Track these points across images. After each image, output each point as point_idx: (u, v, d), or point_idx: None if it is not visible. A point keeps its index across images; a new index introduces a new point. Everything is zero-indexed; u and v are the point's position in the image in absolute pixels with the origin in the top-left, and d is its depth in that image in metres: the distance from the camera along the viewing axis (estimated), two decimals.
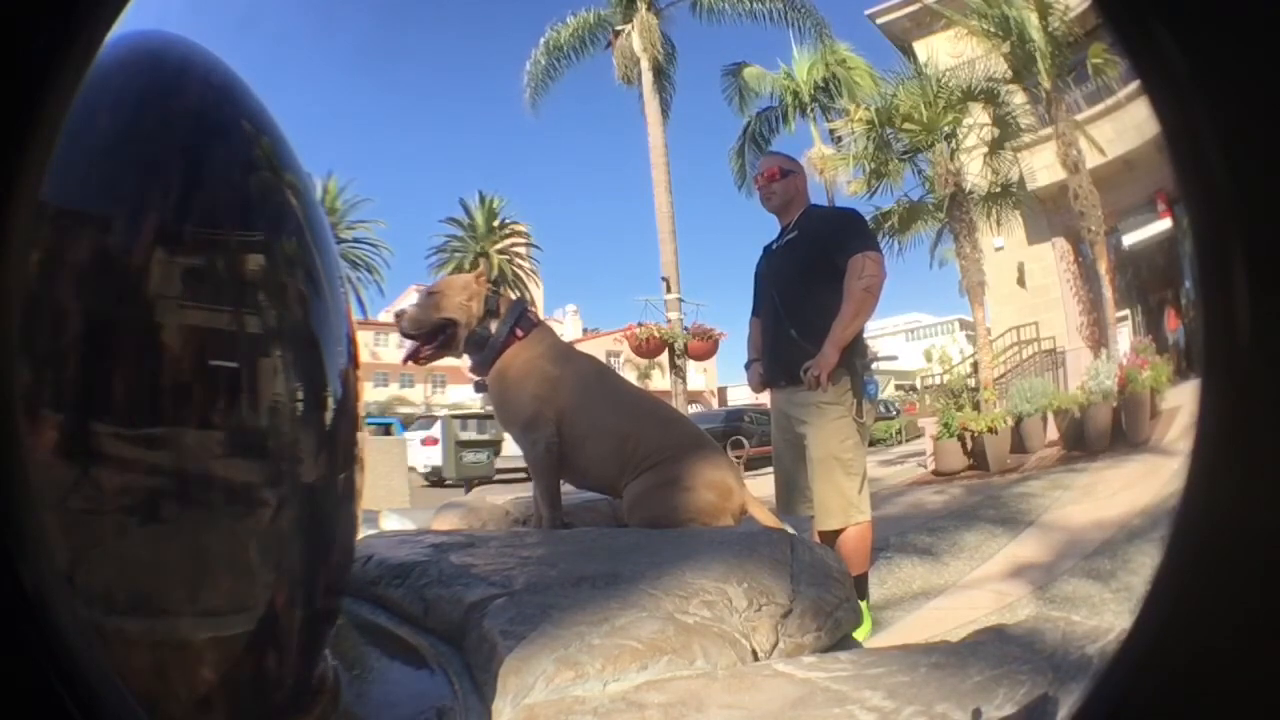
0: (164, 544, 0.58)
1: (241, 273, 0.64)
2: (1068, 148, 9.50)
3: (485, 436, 6.57)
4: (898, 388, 21.97)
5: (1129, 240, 10.92)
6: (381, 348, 33.19)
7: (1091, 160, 9.68)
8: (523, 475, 1.85)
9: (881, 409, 13.99)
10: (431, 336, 1.84)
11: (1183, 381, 7.41)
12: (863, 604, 2.21)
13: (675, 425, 1.90)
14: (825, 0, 12.28)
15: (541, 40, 11.68)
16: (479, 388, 1.88)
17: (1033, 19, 9.34)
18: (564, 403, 1.76)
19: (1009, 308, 11.92)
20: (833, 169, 10.90)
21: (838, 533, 2.30)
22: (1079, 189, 9.41)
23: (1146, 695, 0.34)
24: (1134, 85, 1.63)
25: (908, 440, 11.49)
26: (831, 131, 12.16)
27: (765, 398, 2.63)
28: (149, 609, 0.58)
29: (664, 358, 10.53)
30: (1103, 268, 9.72)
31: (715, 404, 24.99)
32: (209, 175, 0.63)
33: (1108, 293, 9.80)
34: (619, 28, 11.32)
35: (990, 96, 9.41)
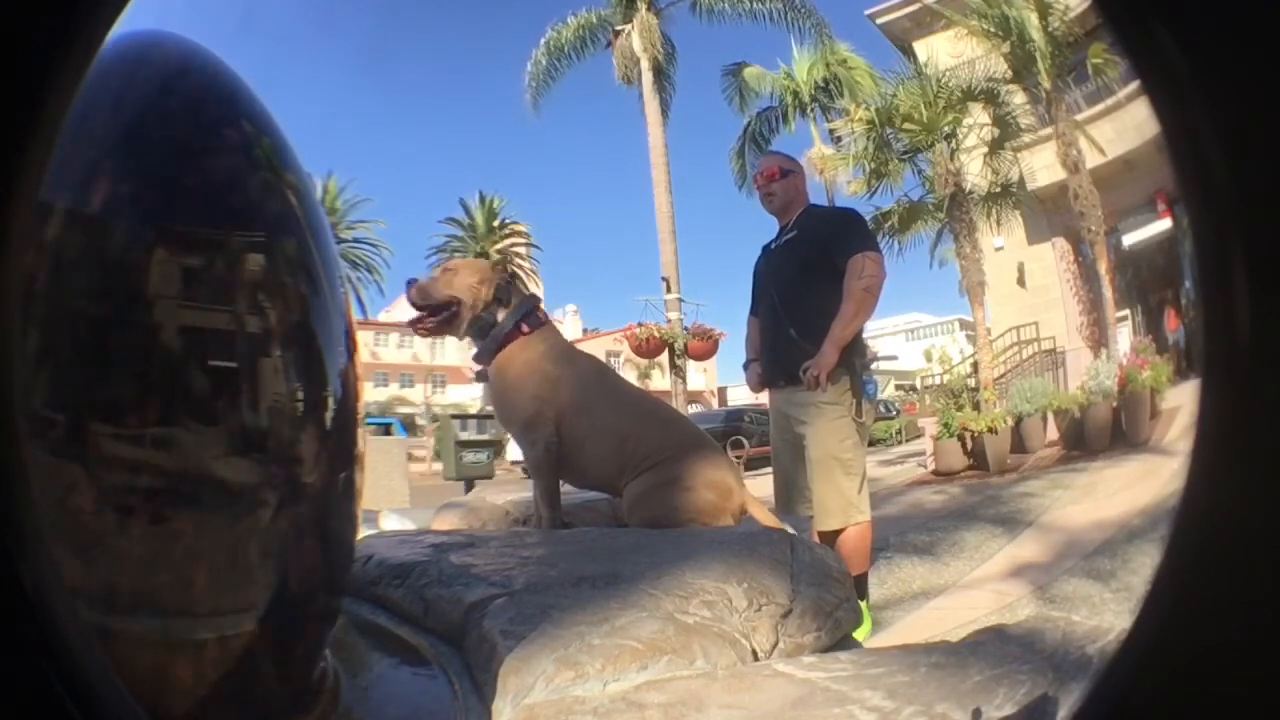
0: (164, 544, 0.58)
1: (241, 273, 0.64)
2: (1068, 148, 9.49)
3: (485, 436, 6.55)
4: (898, 388, 21.96)
5: (1129, 240, 10.92)
6: (381, 348, 33.20)
7: (1091, 160, 9.67)
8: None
9: (881, 409, 13.99)
10: (436, 310, 1.84)
11: (1183, 381, 7.41)
12: (863, 604, 2.21)
13: (675, 425, 1.91)
14: (825, 0, 12.29)
15: (542, 40, 11.70)
16: (480, 376, 1.88)
17: (1033, 19, 9.34)
18: (564, 403, 1.76)
19: (1009, 308, 11.92)
20: (833, 169, 10.90)
21: (837, 533, 2.30)
22: (1079, 189, 9.40)
23: (1146, 695, 0.34)
24: (1134, 85, 1.63)
25: (908, 440, 11.49)
26: (831, 131, 12.17)
27: (765, 398, 2.63)
28: (149, 609, 0.58)
29: (664, 358, 10.53)
30: (1103, 268, 9.72)
31: (715, 404, 24.99)
32: (209, 175, 0.63)
33: (1108, 293, 9.79)
34: (619, 28, 11.32)
35: (990, 96, 9.40)
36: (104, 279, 0.57)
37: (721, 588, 1.02)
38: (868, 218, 9.24)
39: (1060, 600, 2.72)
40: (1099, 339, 10.15)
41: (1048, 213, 11.16)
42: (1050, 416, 7.64)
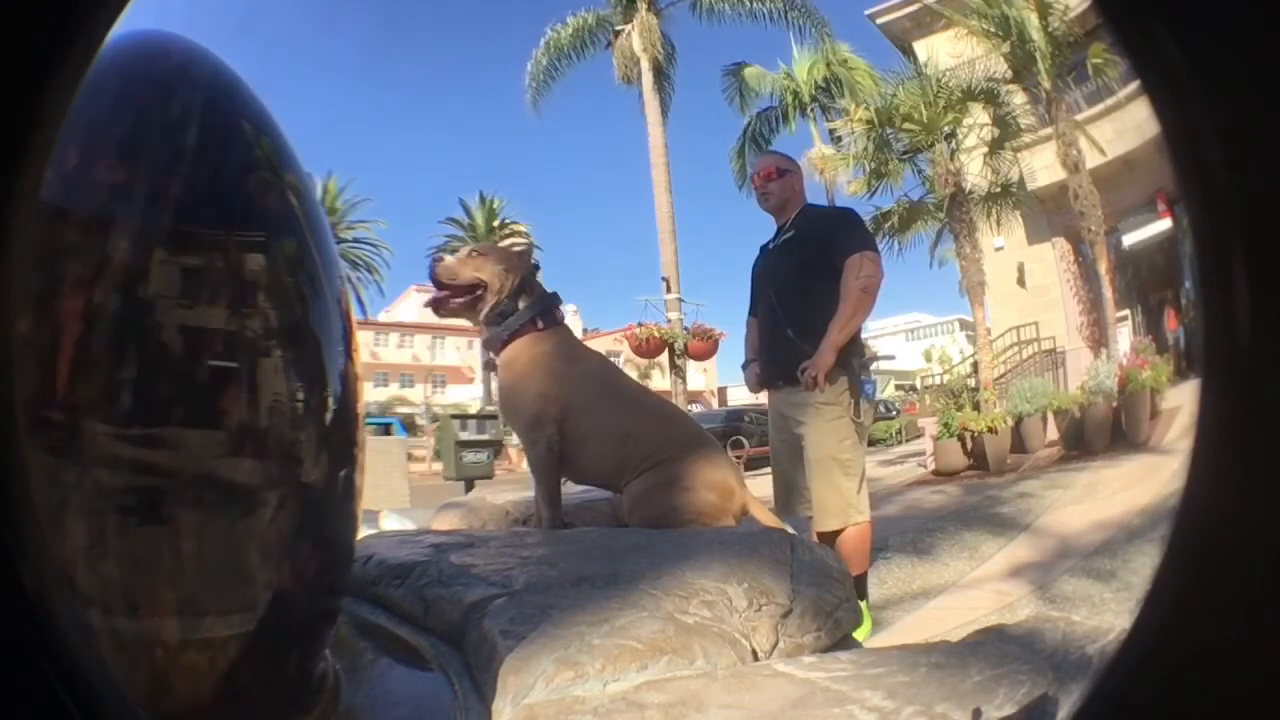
0: (164, 544, 0.58)
1: (241, 273, 0.64)
2: (1068, 148, 9.50)
3: (485, 436, 6.54)
4: (898, 388, 21.97)
5: (1129, 240, 10.92)
6: (381, 348, 33.20)
7: (1091, 160, 9.68)
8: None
9: (881, 409, 14.00)
10: (460, 291, 1.83)
11: (1183, 381, 7.41)
12: (863, 604, 2.21)
13: (677, 424, 1.90)
14: (825, 0, 12.28)
15: (542, 40, 11.70)
16: (488, 365, 1.88)
17: (1033, 19, 9.34)
18: (568, 401, 1.76)
19: (1009, 308, 11.92)
20: (833, 169, 10.91)
21: (837, 533, 2.30)
22: (1079, 189, 9.41)
23: (1146, 695, 0.34)
24: (1134, 85, 1.63)
25: (908, 440, 11.49)
26: (831, 131, 12.17)
27: (764, 398, 2.63)
28: (149, 609, 0.58)
29: (664, 358, 10.53)
30: (1103, 268, 9.72)
31: (715, 404, 24.99)
32: (209, 175, 0.63)
33: (1108, 293, 9.79)
34: (619, 28, 11.32)
35: (990, 96, 9.40)
36: (104, 279, 0.57)
37: (721, 588, 1.02)
38: (868, 218, 9.29)
39: (1060, 600, 2.72)
40: (1099, 339, 10.15)
41: (1048, 213, 11.16)
42: (1050, 416, 7.65)
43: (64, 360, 0.55)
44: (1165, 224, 10.06)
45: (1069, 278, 11.58)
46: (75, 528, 0.54)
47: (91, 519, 0.55)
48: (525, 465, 1.88)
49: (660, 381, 16.28)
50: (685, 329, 10.11)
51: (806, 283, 2.36)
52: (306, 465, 0.67)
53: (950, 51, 9.94)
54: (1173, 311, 11.07)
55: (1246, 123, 0.30)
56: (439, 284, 1.84)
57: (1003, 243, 11.25)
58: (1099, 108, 9.93)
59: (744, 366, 2.68)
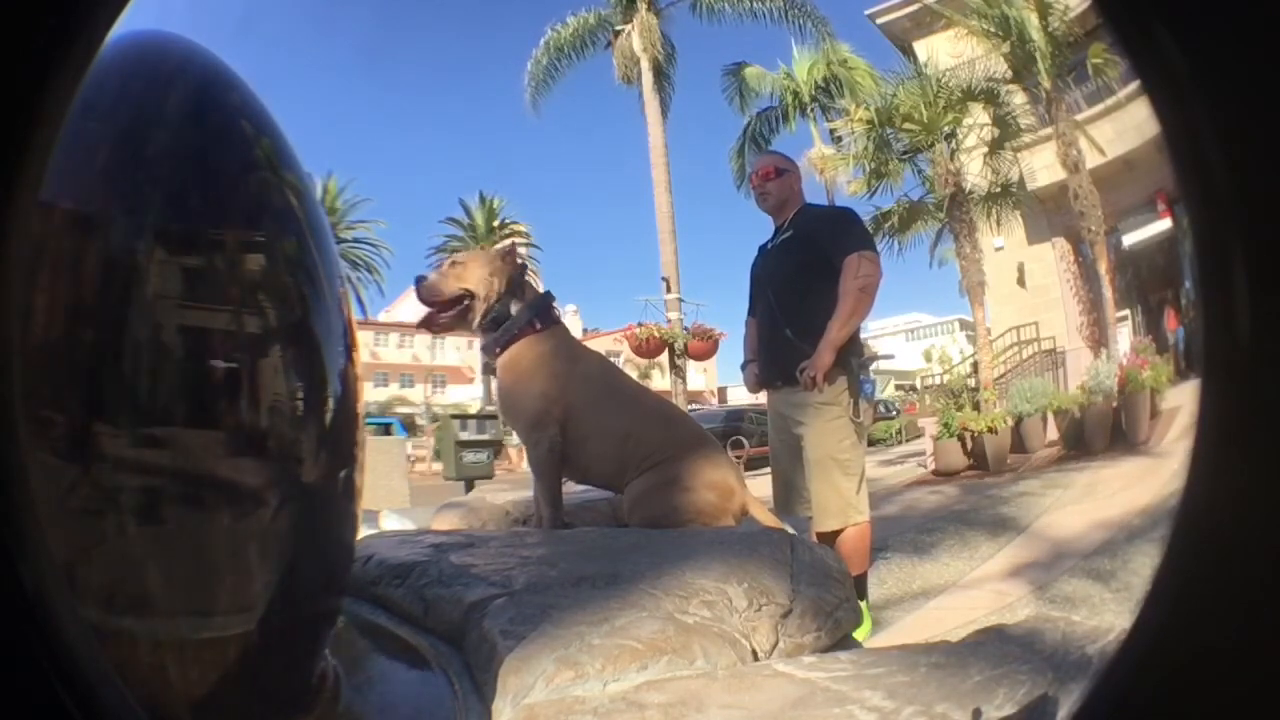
0: (164, 544, 0.58)
1: (241, 273, 0.64)
2: (1068, 148, 9.50)
3: (485, 436, 6.54)
4: (898, 387, 21.97)
5: (1129, 240, 10.92)
6: (381, 348, 33.19)
7: (1091, 160, 9.67)
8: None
9: (881, 409, 13.99)
10: (448, 306, 1.82)
11: (1183, 381, 7.41)
12: (862, 604, 2.21)
13: (677, 424, 1.90)
14: (825, 0, 12.28)
15: (542, 40, 11.71)
16: (487, 369, 1.87)
17: (1033, 19, 9.34)
18: (569, 401, 1.76)
19: (1009, 308, 11.92)
20: (833, 169, 10.91)
21: (836, 533, 2.30)
22: (1079, 189, 9.41)
23: (1146, 695, 0.34)
24: (1134, 85, 1.63)
25: (908, 440, 11.49)
26: (831, 131, 12.17)
27: (764, 398, 2.62)
28: (149, 609, 0.58)
29: (664, 358, 10.53)
30: (1103, 268, 9.72)
31: (715, 404, 24.99)
32: (209, 175, 0.63)
33: (1108, 293, 9.80)
34: (619, 28, 11.32)
35: (990, 96, 9.41)
36: (104, 279, 0.57)
37: (721, 588, 1.02)
38: (868, 218, 9.31)
39: (1060, 600, 2.72)
40: (1099, 339, 10.15)
41: (1048, 213, 11.16)
42: (1050, 416, 7.64)
43: (64, 360, 0.55)
44: (1165, 224, 10.06)
45: (1069, 278, 11.57)
46: (75, 528, 0.54)
47: (91, 519, 0.55)
48: (525, 465, 1.88)
49: (660, 381, 16.29)
50: (685, 329, 10.11)
51: (805, 283, 2.36)
52: (306, 465, 0.67)
53: (950, 51, 9.93)
54: (1173, 311, 11.07)
55: (1246, 123, 0.30)
56: (425, 303, 1.83)
57: (1003, 243, 11.25)
58: (1099, 108, 9.92)
59: (743, 367, 2.68)
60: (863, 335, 2.45)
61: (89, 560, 0.55)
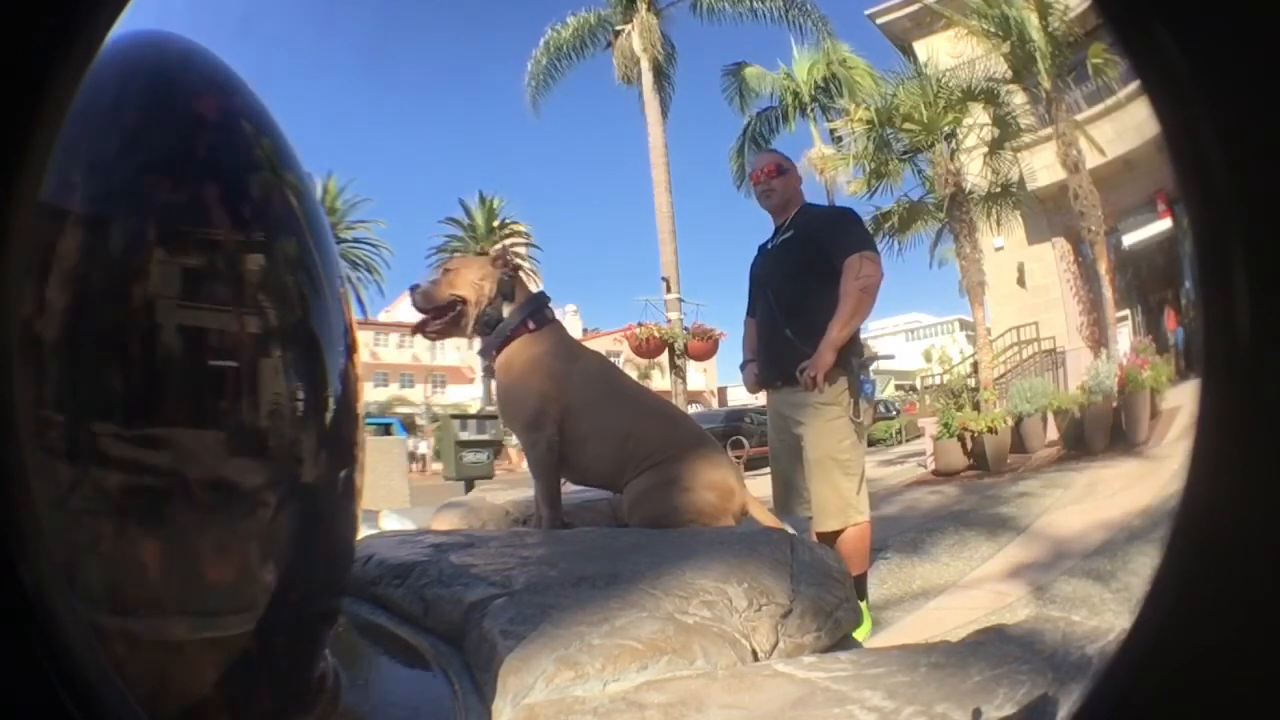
0: (164, 544, 0.58)
1: (241, 273, 0.64)
2: (1068, 148, 9.49)
3: (485, 436, 6.54)
4: (898, 388, 21.96)
5: (1129, 240, 10.92)
6: (381, 348, 33.17)
7: (1091, 160, 9.67)
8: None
9: (881, 409, 13.99)
10: (441, 312, 1.84)
11: (1183, 381, 7.41)
12: (862, 604, 2.21)
13: (677, 424, 1.90)
14: (825, 0, 12.28)
15: (542, 40, 11.71)
16: (488, 372, 1.88)
17: (1033, 19, 9.33)
18: (568, 401, 1.76)
19: (1009, 308, 11.91)
20: (833, 169, 10.90)
21: (836, 533, 2.30)
22: (1079, 189, 9.40)
23: (1146, 695, 0.34)
24: (1134, 85, 1.63)
25: (908, 440, 11.48)
26: (831, 131, 12.16)
27: (765, 398, 2.62)
28: (149, 609, 0.58)
29: (664, 358, 10.53)
30: (1103, 268, 9.72)
31: (715, 404, 25.00)
32: (209, 175, 0.63)
33: (1108, 293, 9.79)
34: (619, 28, 11.33)
35: (990, 96, 9.40)
36: (104, 279, 0.57)
37: (721, 588, 1.02)
38: (868, 218, 9.29)
39: (1060, 600, 2.72)
40: (1099, 339, 10.15)
41: (1048, 213, 11.15)
42: (1050, 416, 7.64)
43: (64, 360, 0.55)
44: (1165, 224, 10.06)
45: (1069, 278, 11.57)
46: (75, 528, 0.54)
47: (91, 519, 0.55)
48: (525, 465, 1.88)
49: (660, 381, 16.28)
50: (685, 329, 10.11)
51: (805, 283, 2.36)
52: (306, 465, 0.67)
53: (950, 51, 9.93)
54: (1173, 311, 11.07)
55: (1246, 123, 0.30)
56: (420, 310, 1.85)
57: (1003, 243, 11.24)
58: (1099, 108, 9.92)
59: (742, 367, 2.68)
60: (863, 335, 2.45)
61: (89, 560, 0.55)
